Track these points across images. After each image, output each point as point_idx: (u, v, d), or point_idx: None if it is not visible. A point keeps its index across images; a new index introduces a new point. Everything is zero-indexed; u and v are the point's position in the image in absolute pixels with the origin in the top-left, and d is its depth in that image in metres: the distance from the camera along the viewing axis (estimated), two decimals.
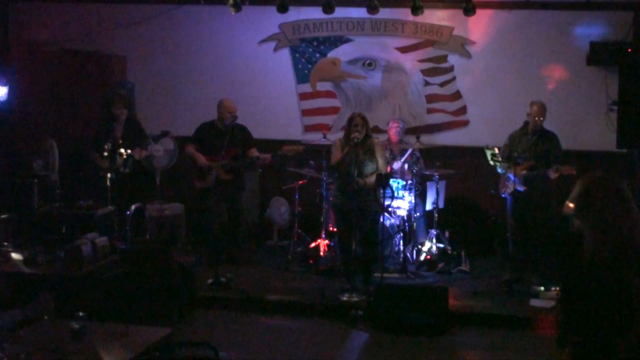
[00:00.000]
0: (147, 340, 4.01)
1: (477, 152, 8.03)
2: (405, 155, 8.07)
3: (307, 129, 9.26)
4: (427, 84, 9.05)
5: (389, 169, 7.43)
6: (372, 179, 6.88)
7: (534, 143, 7.36)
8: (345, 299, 6.81)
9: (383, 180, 6.77)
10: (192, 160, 7.81)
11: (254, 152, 7.76)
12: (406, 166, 8.06)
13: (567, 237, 3.34)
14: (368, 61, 9.12)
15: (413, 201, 7.91)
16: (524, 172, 7.27)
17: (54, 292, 4.96)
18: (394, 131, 8.26)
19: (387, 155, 7.68)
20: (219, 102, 7.86)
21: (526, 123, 7.47)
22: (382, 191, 6.80)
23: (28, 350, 3.70)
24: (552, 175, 7.09)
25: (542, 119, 7.36)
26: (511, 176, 7.28)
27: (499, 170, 7.46)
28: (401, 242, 7.87)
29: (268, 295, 7.02)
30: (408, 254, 7.84)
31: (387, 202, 7.02)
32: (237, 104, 7.86)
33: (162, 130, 7.91)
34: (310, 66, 9.25)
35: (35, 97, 8.99)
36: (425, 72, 9.04)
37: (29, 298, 5.25)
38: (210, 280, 7.12)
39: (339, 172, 6.99)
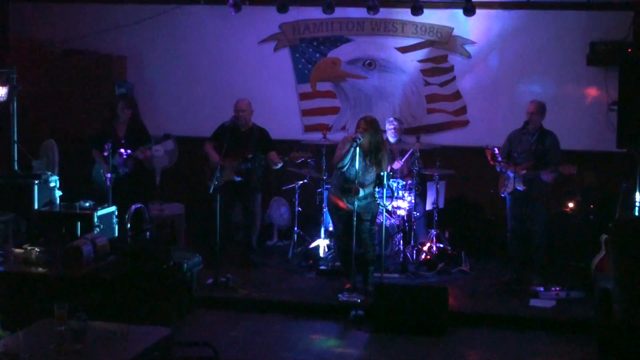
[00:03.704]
0: (147, 340, 4.00)
1: (477, 152, 8.03)
2: (406, 156, 8.05)
3: (307, 129, 9.26)
4: (427, 84, 9.05)
5: (389, 168, 7.40)
6: (371, 187, 6.85)
7: (533, 143, 7.36)
8: (345, 299, 6.81)
9: (382, 180, 6.75)
10: (207, 157, 7.79)
11: (274, 155, 7.66)
12: (405, 168, 8.06)
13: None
14: (368, 61, 9.12)
15: (413, 201, 7.91)
16: (524, 171, 7.27)
17: (55, 293, 4.98)
18: (389, 133, 8.25)
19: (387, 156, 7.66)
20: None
21: (526, 123, 7.47)
22: (381, 191, 6.79)
23: (28, 350, 3.70)
24: (545, 177, 7.09)
25: (539, 117, 7.36)
26: (511, 175, 7.28)
27: (498, 169, 7.46)
28: (401, 242, 7.87)
29: (268, 295, 7.02)
30: (408, 254, 7.84)
31: (387, 202, 7.00)
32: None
33: (164, 134, 7.89)
34: (310, 66, 9.24)
35: (35, 97, 8.98)
36: (425, 72, 9.04)
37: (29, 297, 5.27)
38: (210, 280, 7.12)
39: (340, 171, 6.94)
